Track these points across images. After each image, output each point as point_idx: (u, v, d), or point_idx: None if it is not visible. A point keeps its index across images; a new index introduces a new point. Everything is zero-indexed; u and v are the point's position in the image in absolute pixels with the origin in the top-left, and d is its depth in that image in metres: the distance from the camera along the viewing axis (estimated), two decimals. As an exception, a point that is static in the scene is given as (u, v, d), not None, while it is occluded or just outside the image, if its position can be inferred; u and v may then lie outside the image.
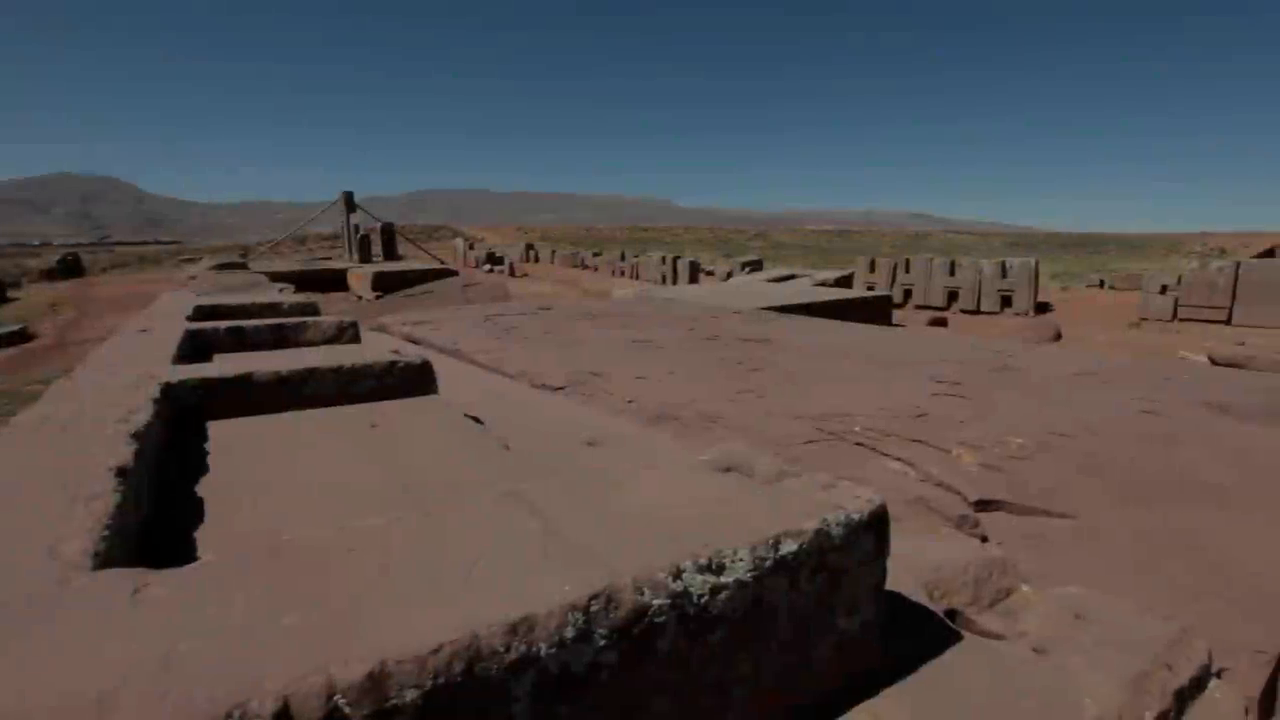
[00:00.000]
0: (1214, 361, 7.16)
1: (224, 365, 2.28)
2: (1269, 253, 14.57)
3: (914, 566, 1.57)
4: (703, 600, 0.89)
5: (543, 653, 0.76)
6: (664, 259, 20.02)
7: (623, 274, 21.39)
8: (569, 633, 0.78)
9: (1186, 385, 3.81)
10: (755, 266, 18.69)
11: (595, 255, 24.81)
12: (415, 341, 5.33)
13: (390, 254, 17.74)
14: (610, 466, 1.29)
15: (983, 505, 2.28)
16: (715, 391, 3.31)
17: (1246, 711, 1.38)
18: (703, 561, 0.90)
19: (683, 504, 1.09)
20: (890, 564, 1.61)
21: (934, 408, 3.08)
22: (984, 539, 2.14)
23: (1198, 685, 1.32)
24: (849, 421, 2.84)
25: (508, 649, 0.74)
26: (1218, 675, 1.63)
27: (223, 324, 3.15)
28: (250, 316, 3.64)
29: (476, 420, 2.57)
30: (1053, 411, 3.14)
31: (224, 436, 1.88)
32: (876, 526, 1.11)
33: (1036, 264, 13.17)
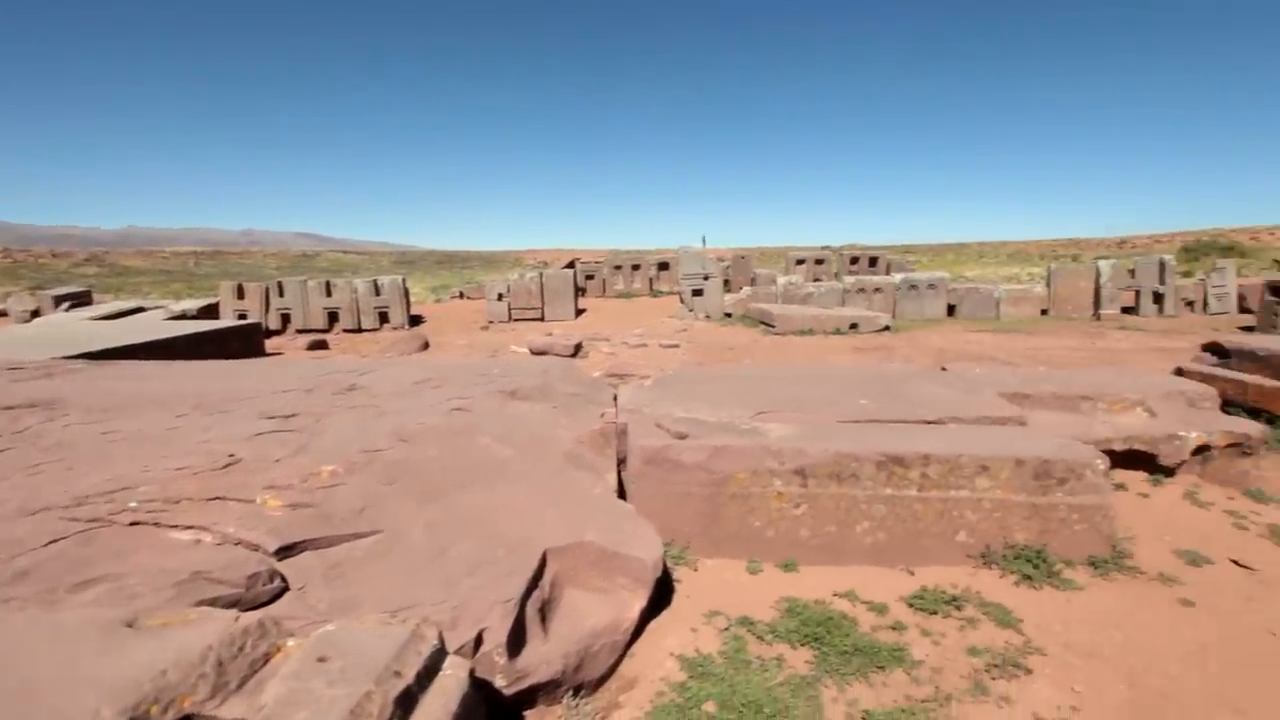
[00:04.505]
0: (532, 351, 9.14)
1: None
2: (570, 265, 19.62)
3: (120, 687, 1.25)
4: None
5: None
6: (-94, 299, 13.43)
7: None
8: None
9: (495, 378, 4.60)
10: (81, 301, 14.50)
11: None
12: None
13: None
14: None
15: (285, 551, 2.12)
16: (-101, 504, 2.19)
17: (474, 666, 1.60)
18: None
19: None
20: (76, 708, 1.24)
21: (251, 450, 2.78)
22: (282, 591, 1.98)
23: (430, 673, 1.43)
24: (127, 496, 2.27)
25: None
26: (477, 644, 1.86)
27: None
28: None
29: None
30: (376, 426, 3.27)
31: None
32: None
33: (404, 280, 14.32)
